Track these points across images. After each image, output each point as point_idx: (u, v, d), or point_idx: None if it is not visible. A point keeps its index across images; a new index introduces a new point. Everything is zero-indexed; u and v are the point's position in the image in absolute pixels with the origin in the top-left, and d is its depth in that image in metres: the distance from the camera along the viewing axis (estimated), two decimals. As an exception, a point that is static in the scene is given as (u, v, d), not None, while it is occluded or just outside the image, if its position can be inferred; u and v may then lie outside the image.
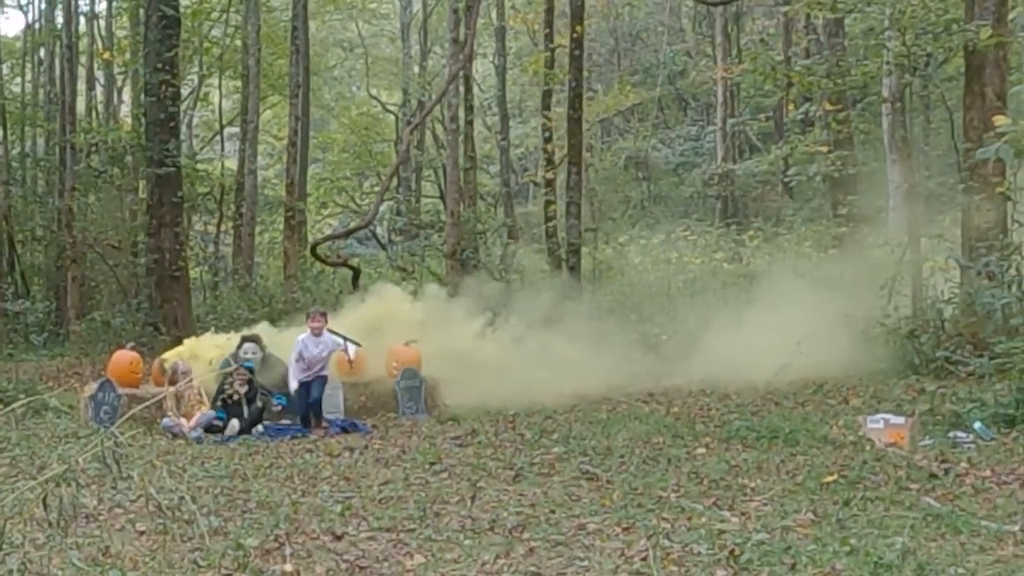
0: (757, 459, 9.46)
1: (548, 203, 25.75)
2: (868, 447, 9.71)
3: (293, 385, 12.78)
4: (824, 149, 20.57)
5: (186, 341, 15.27)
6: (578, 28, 22.61)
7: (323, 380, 12.95)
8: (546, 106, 26.85)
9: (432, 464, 9.83)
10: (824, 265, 19.99)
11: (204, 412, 12.32)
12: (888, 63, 18.62)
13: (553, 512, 7.63)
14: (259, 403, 12.51)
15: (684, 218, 30.90)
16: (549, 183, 26.41)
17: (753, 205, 31.77)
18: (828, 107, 20.40)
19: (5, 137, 28.45)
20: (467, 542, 6.84)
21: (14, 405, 6.14)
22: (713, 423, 11.95)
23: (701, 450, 10.09)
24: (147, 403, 10.87)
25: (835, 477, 8.42)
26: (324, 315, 13.32)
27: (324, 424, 12.69)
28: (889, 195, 19.36)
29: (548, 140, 26.62)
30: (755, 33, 35.51)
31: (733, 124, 31.87)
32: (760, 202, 31.70)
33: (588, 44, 29.09)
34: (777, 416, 11.92)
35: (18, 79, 31.58)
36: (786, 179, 25.71)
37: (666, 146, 37.59)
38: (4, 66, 29.66)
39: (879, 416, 10.42)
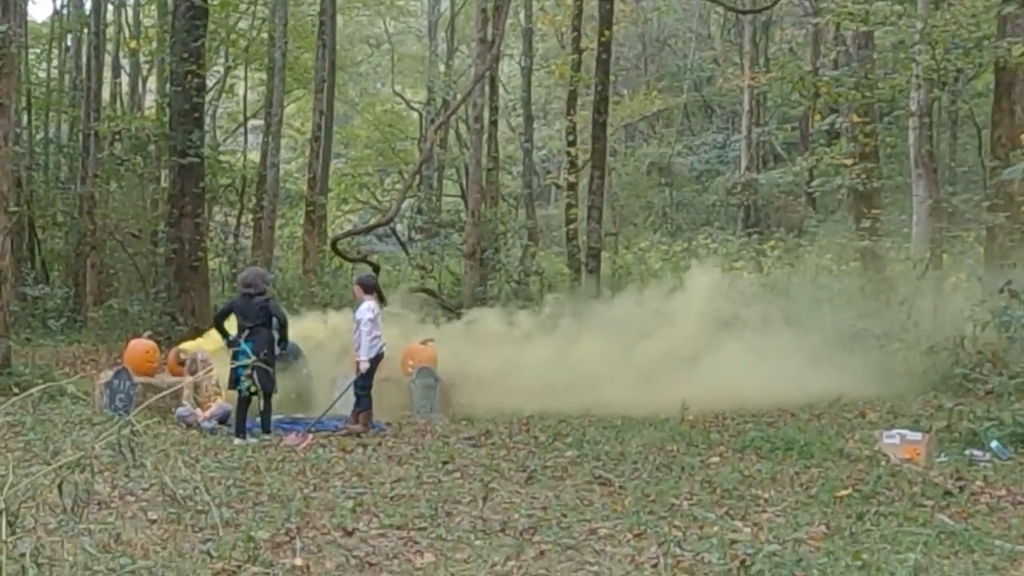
0: (771, 470, 9.43)
1: (570, 206, 25.73)
2: (883, 462, 9.66)
3: (365, 364, 12.32)
4: (849, 161, 20.44)
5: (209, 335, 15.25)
6: (606, 32, 22.58)
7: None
8: (571, 109, 26.83)
9: (445, 463, 9.83)
10: (845, 278, 19.91)
11: (220, 404, 12.33)
12: (917, 77, 18.54)
13: (565, 516, 7.62)
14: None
15: (706, 226, 30.85)
16: (571, 186, 26.39)
17: (775, 215, 31.63)
18: (855, 119, 20.31)
19: (30, 122, 28.54)
20: (478, 543, 6.85)
21: (31, 391, 6.14)
22: (728, 432, 11.90)
23: (715, 459, 10.07)
24: (165, 392, 10.91)
25: (849, 491, 8.39)
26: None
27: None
28: (913, 210, 19.28)
29: (572, 143, 26.60)
30: (783, 42, 35.41)
31: (759, 133, 31.77)
32: (783, 212, 31.55)
33: (615, 48, 29.03)
34: (792, 428, 11.88)
35: (44, 65, 31.69)
36: (810, 190, 25.60)
37: (691, 153, 37.49)
38: (31, 52, 29.76)
39: (895, 431, 10.36)
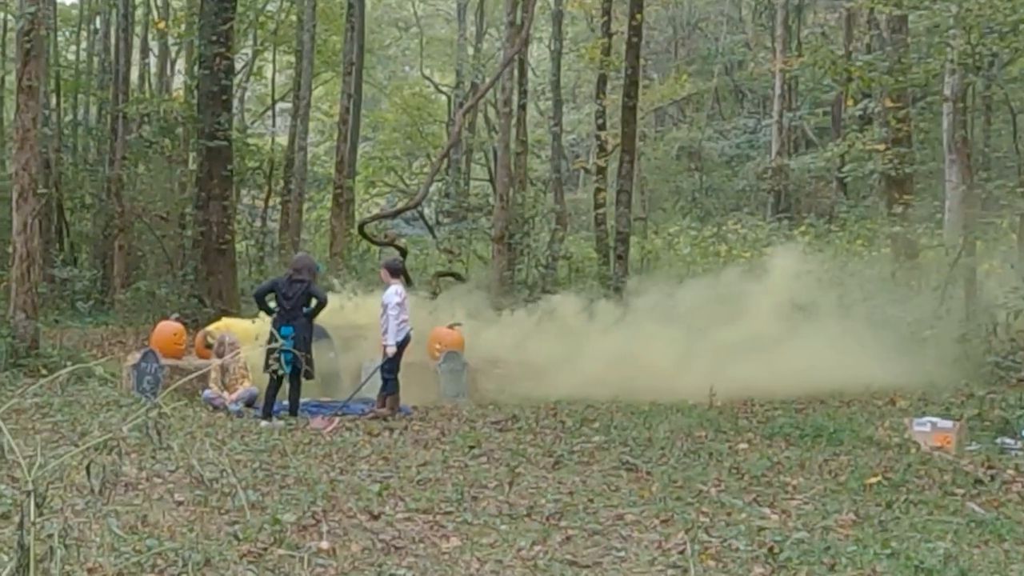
0: (800, 457, 9.40)
1: (598, 191, 25.64)
2: (914, 450, 9.60)
3: (392, 348, 12.27)
4: (881, 147, 20.23)
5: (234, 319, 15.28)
6: (637, 15, 22.44)
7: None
8: (601, 93, 26.70)
9: (471, 448, 9.83)
10: (876, 264, 19.75)
11: (247, 386, 12.37)
12: (951, 61, 18.29)
13: (591, 501, 7.60)
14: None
15: (736, 211, 30.66)
16: (600, 170, 26.29)
17: (806, 200, 31.40)
18: (888, 104, 20.10)
19: (58, 104, 28.67)
20: (504, 527, 6.83)
21: (59, 373, 6.16)
22: (756, 419, 11.85)
23: (743, 445, 10.03)
24: (194, 374, 10.98)
25: (879, 478, 8.34)
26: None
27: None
28: (946, 196, 19.05)
29: (601, 127, 26.49)
30: (816, 26, 35.09)
31: (790, 118, 31.52)
32: (813, 198, 31.33)
33: (646, 32, 28.91)
34: (822, 415, 11.82)
35: (73, 47, 31.81)
36: (841, 175, 25.38)
37: (721, 137, 37.26)
38: (60, 34, 29.87)
39: (926, 419, 10.29)
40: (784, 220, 27.45)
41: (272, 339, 11.41)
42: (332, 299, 13.83)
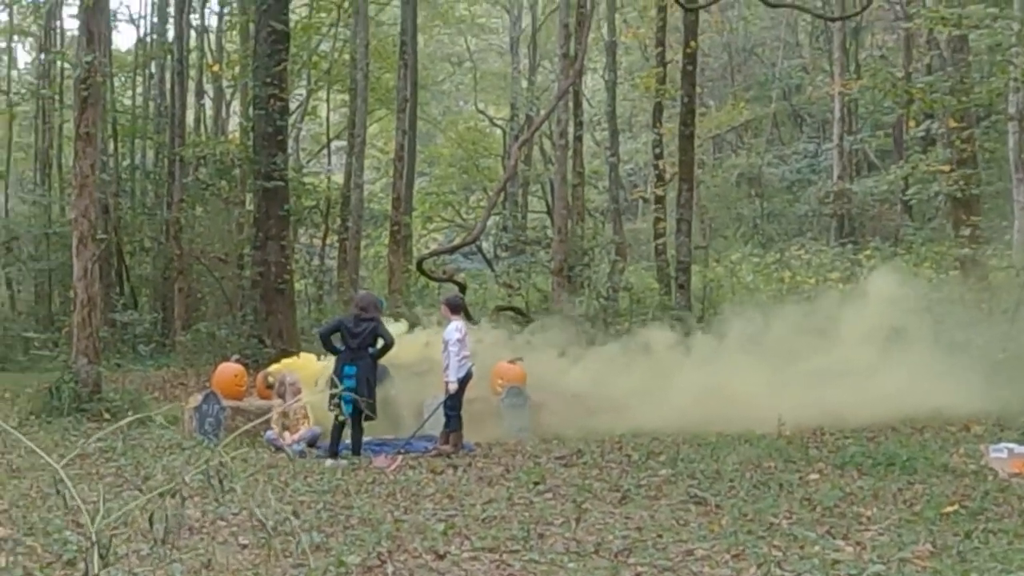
0: (873, 486, 9.17)
1: (658, 220, 25.49)
2: (991, 477, 9.35)
3: (454, 385, 12.23)
4: (946, 168, 19.94)
5: (301, 356, 15.30)
6: (692, 43, 22.36)
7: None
8: (657, 122, 26.61)
9: (536, 484, 9.70)
10: (944, 287, 19.38)
11: (309, 427, 12.36)
12: (1015, 79, 18.01)
13: (660, 536, 7.45)
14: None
15: (798, 236, 30.33)
16: (659, 200, 26.15)
17: (870, 224, 31.01)
18: (951, 124, 19.82)
19: (116, 150, 29.12)
20: (571, 565, 6.70)
21: (121, 422, 6.16)
22: (827, 448, 11.61)
23: (814, 476, 9.81)
24: (260, 420, 10.99)
25: (955, 507, 8.12)
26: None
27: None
28: (1014, 216, 18.70)
29: (659, 156, 26.38)
30: (874, 48, 34.77)
31: (851, 141, 31.19)
32: (878, 221, 30.92)
33: (701, 59, 28.78)
34: (894, 442, 11.55)
35: (129, 92, 32.33)
36: (906, 198, 25.03)
37: (781, 163, 36.95)
38: (116, 80, 30.39)
39: (1003, 445, 10.02)
40: (848, 244, 27.10)
41: (333, 381, 11.40)
42: (417, 334, 13.92)
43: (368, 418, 11.73)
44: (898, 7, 30.09)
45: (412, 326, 15.54)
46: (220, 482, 4.53)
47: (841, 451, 11.06)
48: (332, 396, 11.04)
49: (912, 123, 24.49)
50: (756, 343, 15.37)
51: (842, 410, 13.29)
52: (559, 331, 17.21)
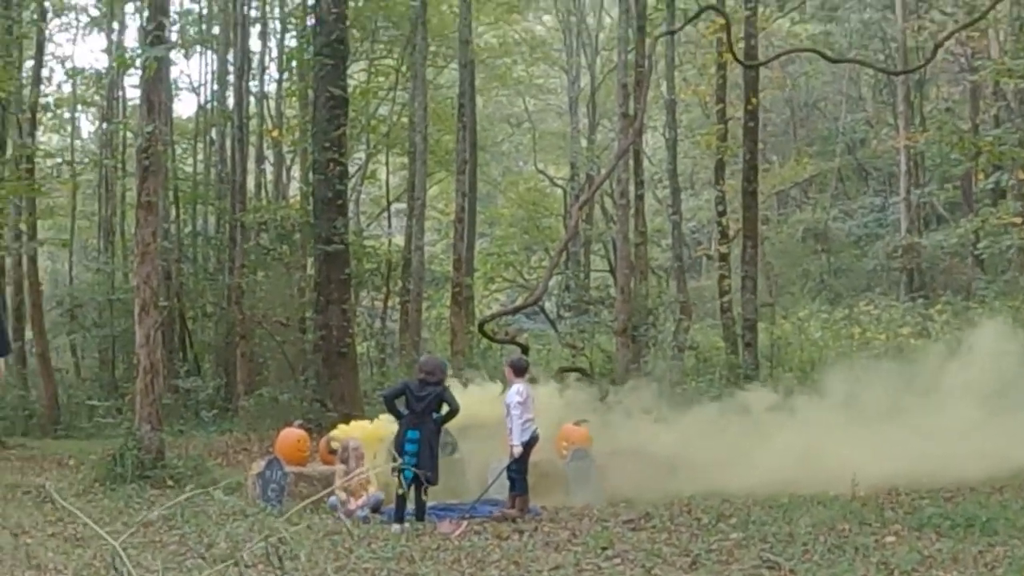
0: (952, 549, 8.83)
1: (722, 277, 25.20)
2: (1075, 539, 8.94)
3: (519, 448, 12.08)
4: (1018, 220, 19.55)
5: (355, 423, 15.23)
6: (753, 99, 22.23)
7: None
8: (719, 179, 26.42)
9: (604, 549, 9.47)
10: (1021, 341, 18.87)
11: (372, 492, 12.23)
12: (1083, 130, 17.66)
13: (733, 604, 7.19)
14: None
15: (867, 292, 29.86)
16: (723, 257, 25.86)
17: (941, 278, 30.48)
18: (1021, 176, 19.47)
19: (177, 216, 29.50)
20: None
21: (181, 497, 6.06)
22: (903, 509, 11.23)
23: (890, 538, 9.48)
24: (328, 490, 10.89)
25: (1040, 571, 7.76)
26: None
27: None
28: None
29: (722, 213, 26.13)
30: (940, 100, 34.38)
31: (918, 195, 30.77)
32: (948, 275, 30.38)
33: (762, 115, 28.63)
34: (972, 503, 11.16)
35: (190, 159, 32.81)
36: (977, 251, 24.56)
37: (847, 217, 36.55)
38: (177, 147, 30.88)
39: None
40: (919, 299, 26.61)
41: (401, 447, 11.33)
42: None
43: (430, 482, 11.58)
44: (963, 59, 29.79)
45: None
46: (279, 558, 4.41)
47: (917, 512, 10.70)
48: (393, 469, 10.94)
49: (981, 175, 24.11)
50: (852, 402, 15.09)
51: (912, 470, 12.92)
52: (648, 392, 17.05)
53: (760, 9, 23.43)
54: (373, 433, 13.05)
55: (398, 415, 11.84)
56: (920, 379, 15.23)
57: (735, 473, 13.40)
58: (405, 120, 30.08)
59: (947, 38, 22.21)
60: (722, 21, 20.85)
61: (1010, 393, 14.51)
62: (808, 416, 14.93)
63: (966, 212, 27.46)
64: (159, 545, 9.33)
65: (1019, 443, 13.41)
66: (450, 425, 12.39)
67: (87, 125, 39.35)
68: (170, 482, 13.04)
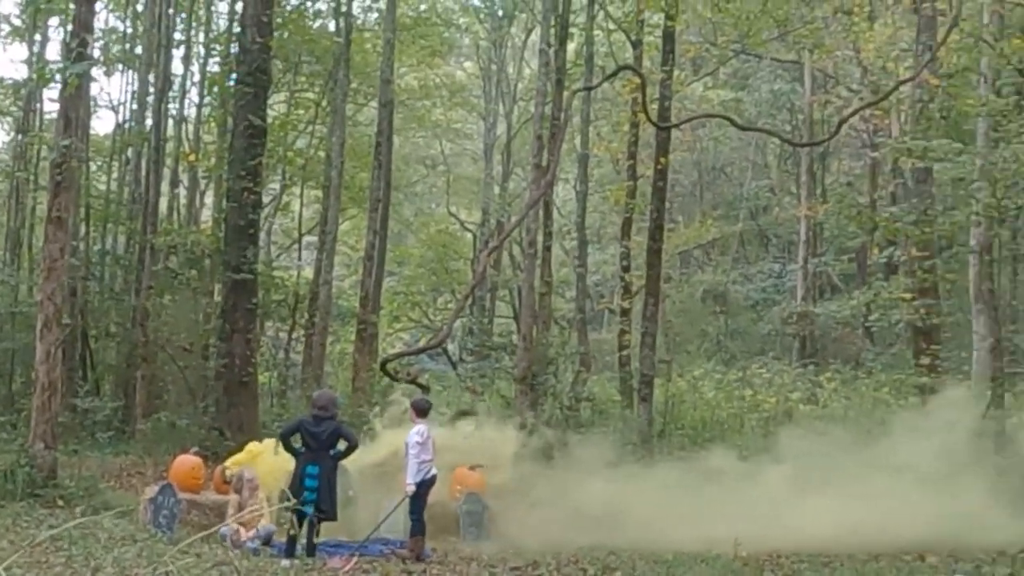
0: (828, 614, 9.12)
1: (623, 332, 25.61)
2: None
3: (411, 488, 12.15)
4: (908, 296, 20.24)
5: (250, 445, 15.19)
6: (662, 159, 22.71)
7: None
8: (626, 234, 26.89)
9: (490, 595, 9.60)
10: (903, 413, 19.51)
11: (265, 524, 12.21)
12: (977, 214, 18.40)
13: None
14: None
15: (760, 355, 30.55)
16: (625, 312, 26.29)
17: (832, 346, 31.33)
18: (914, 253, 20.17)
19: (87, 234, 28.95)
20: None
21: (70, 524, 6.08)
22: (782, 572, 11.56)
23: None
24: (224, 523, 10.84)
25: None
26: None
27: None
28: (974, 347, 18.95)
29: (626, 269, 26.58)
30: (841, 174, 35.52)
31: (815, 264, 31.67)
32: (839, 344, 31.26)
33: (671, 175, 29.24)
34: (849, 570, 11.51)
35: (104, 177, 32.29)
36: (867, 323, 25.34)
37: (746, 281, 37.40)
38: (92, 164, 30.39)
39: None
40: (810, 365, 27.31)
41: (293, 484, 11.39)
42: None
43: (328, 518, 11.64)
44: (865, 136, 30.85)
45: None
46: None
47: (796, 576, 11.02)
48: (289, 508, 11.02)
49: (876, 250, 24.94)
50: (745, 463, 15.42)
51: (795, 534, 13.24)
52: (611, 448, 17.21)
53: (676, 72, 23.99)
54: (282, 467, 13.01)
55: (294, 452, 11.87)
56: (816, 446, 15.65)
57: (627, 528, 13.62)
58: (322, 154, 30.07)
59: (851, 115, 23.06)
60: (638, 81, 21.37)
61: (904, 467, 15.04)
62: (701, 476, 15.22)
63: (859, 284, 28.32)
64: (45, 566, 9.22)
65: (900, 514, 13.89)
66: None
67: (1, 135, 38.51)
68: (61, 502, 12.84)
